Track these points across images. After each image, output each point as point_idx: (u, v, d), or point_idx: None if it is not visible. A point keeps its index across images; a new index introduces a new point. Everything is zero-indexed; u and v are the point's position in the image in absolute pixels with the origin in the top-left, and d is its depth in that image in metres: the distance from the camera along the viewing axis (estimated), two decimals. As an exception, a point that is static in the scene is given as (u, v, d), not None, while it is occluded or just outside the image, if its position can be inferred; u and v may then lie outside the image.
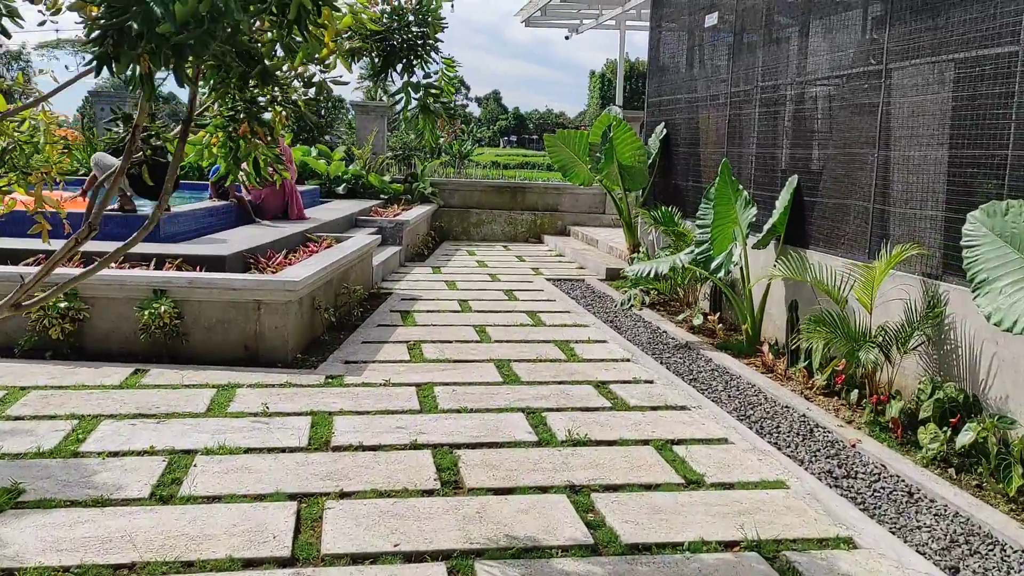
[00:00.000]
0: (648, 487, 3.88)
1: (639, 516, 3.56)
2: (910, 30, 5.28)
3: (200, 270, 6.09)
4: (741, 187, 6.70)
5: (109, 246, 4.11)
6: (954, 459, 4.21)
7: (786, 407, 5.16)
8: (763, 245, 6.72)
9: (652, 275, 7.16)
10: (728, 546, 3.35)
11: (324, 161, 13.59)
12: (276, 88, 3.22)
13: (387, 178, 13.79)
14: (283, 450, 4.15)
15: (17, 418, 4.43)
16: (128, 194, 7.39)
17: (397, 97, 3.44)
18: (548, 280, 9.87)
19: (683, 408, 5.08)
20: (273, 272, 6.37)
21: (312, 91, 3.35)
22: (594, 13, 16.86)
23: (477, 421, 4.68)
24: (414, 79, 3.44)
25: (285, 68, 3.26)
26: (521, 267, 10.98)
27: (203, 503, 3.53)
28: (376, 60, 3.41)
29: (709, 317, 7.30)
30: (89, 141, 11.26)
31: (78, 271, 4.07)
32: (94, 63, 1.95)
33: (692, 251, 7.00)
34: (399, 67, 3.42)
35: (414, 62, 3.42)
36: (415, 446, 4.27)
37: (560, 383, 5.52)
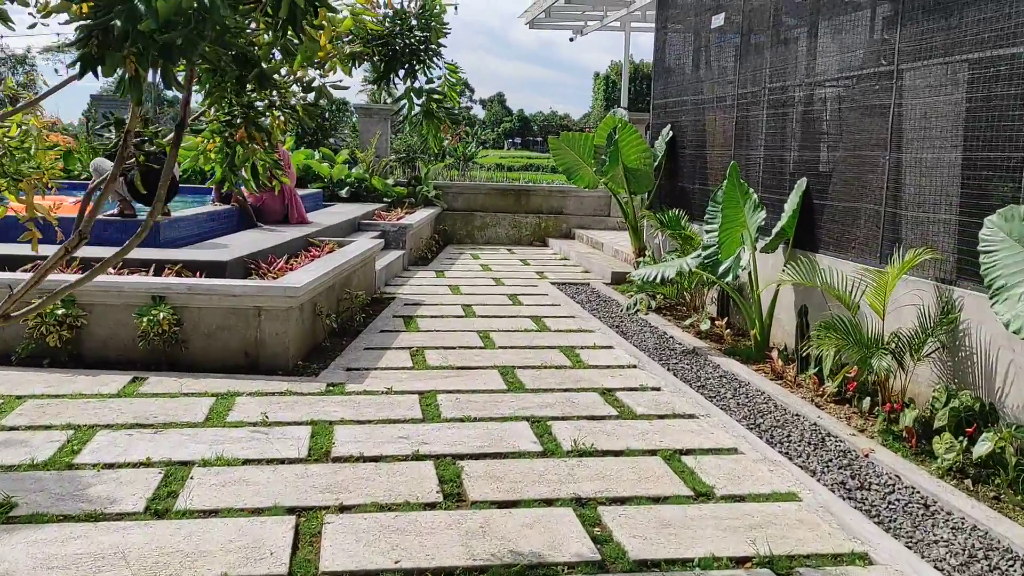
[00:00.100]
0: (656, 500, 3.78)
1: (647, 530, 3.46)
2: (922, 30, 5.18)
3: (200, 276, 6.01)
4: (751, 190, 6.60)
5: (109, 252, 4.02)
6: (970, 469, 4.10)
7: (796, 415, 5.05)
8: (772, 249, 6.62)
9: (658, 279, 7.05)
10: (739, 562, 3.25)
11: (327, 164, 13.51)
12: (274, 92, 3.13)
13: (391, 181, 13.70)
14: (282, 461, 4.06)
15: (12, 428, 4.34)
16: (128, 199, 7.32)
17: (401, 102, 3.35)
18: (553, 284, 9.77)
19: (691, 416, 4.97)
20: (274, 278, 6.29)
21: (311, 96, 3.27)
22: (599, 15, 16.78)
23: (481, 430, 4.59)
24: (416, 84, 3.35)
25: (284, 72, 3.18)
26: (525, 271, 10.88)
27: (199, 517, 3.44)
28: (378, 64, 3.32)
29: (717, 322, 7.19)
30: (92, 146, 11.20)
31: (74, 277, 3.99)
32: (78, 65, 1.86)
33: (699, 255, 6.89)
34: (401, 72, 3.34)
35: (417, 67, 3.33)
36: (417, 457, 4.18)
37: (565, 390, 5.42)
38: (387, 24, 3.30)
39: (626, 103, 17.76)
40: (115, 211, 7.43)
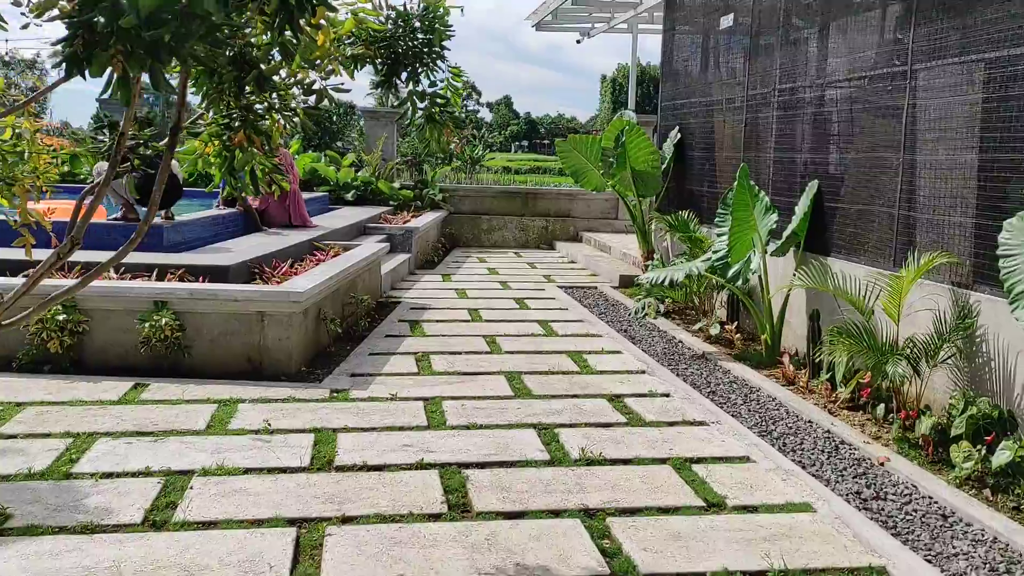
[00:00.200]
0: (667, 510, 3.68)
1: (657, 543, 3.37)
2: (936, 29, 5.07)
3: (203, 280, 5.94)
4: (761, 192, 6.50)
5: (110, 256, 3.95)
6: (989, 479, 3.99)
7: (809, 422, 4.95)
8: (782, 252, 6.51)
9: (667, 283, 6.95)
10: (753, 577, 3.15)
11: (333, 167, 13.46)
12: (274, 95, 3.06)
13: (397, 184, 13.64)
14: (284, 470, 3.98)
15: (10, 436, 4.27)
16: (132, 203, 7.26)
17: (404, 106, 3.28)
18: (560, 288, 9.68)
19: (702, 423, 4.87)
20: (278, 282, 6.21)
21: (312, 99, 3.20)
22: (606, 17, 16.68)
23: (487, 438, 4.50)
24: (419, 88, 3.28)
25: (284, 74, 3.11)
26: (532, 274, 10.79)
27: (198, 529, 3.36)
28: (381, 67, 3.25)
29: (726, 326, 7.08)
30: (88, 149, 11.17)
31: (71, 282, 3.92)
32: (63, 65, 1.78)
33: (709, 258, 6.79)
34: (404, 75, 3.26)
35: (419, 70, 3.26)
36: (422, 466, 4.09)
37: (573, 397, 5.32)
38: (389, 26, 3.22)
39: (633, 105, 17.64)
40: (119, 215, 7.38)
